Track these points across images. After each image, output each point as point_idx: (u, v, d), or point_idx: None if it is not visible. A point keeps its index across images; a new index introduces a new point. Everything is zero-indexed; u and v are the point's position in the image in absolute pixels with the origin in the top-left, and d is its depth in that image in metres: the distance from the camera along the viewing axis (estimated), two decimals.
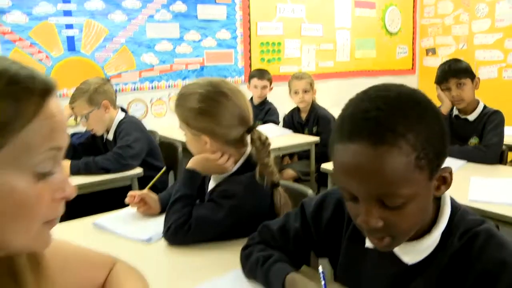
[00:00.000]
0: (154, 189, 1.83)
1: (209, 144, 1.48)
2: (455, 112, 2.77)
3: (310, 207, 1.18)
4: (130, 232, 1.59)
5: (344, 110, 0.89)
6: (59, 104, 0.68)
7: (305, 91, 3.79)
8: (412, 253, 0.96)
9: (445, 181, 0.90)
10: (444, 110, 2.75)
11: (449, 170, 0.90)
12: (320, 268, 0.90)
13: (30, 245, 0.68)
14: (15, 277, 0.73)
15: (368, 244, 1.01)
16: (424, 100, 0.87)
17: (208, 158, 1.51)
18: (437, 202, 0.96)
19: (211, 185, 1.58)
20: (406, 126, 0.81)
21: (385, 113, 0.82)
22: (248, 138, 1.53)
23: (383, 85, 0.89)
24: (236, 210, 1.45)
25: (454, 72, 2.66)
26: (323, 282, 0.92)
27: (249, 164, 1.53)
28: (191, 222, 1.46)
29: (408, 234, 0.92)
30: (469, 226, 0.93)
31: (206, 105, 1.45)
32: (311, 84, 3.81)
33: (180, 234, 1.45)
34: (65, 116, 0.69)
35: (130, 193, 1.75)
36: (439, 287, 0.93)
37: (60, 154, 0.68)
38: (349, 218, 1.08)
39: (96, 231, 1.64)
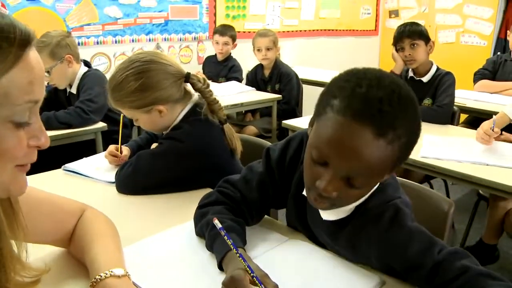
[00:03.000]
0: (116, 142, 1.85)
1: (164, 111, 1.52)
2: (410, 73, 2.90)
3: (275, 153, 1.22)
4: (98, 175, 1.70)
5: (355, 82, 0.90)
6: (38, 56, 0.69)
7: (268, 49, 3.84)
8: (330, 213, 1.09)
9: (392, 172, 1.01)
10: (397, 69, 2.92)
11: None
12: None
13: (7, 189, 0.73)
14: None
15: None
16: (419, 109, 0.95)
17: None
18: None
19: None
20: (405, 130, 0.89)
21: (395, 111, 0.87)
22: (189, 86, 1.59)
23: (396, 77, 0.94)
24: (178, 149, 1.52)
25: (409, 33, 2.79)
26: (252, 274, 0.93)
27: (195, 111, 1.59)
28: (132, 160, 1.58)
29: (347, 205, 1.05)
30: (384, 199, 1.05)
31: (143, 79, 1.47)
32: (274, 42, 3.85)
33: (124, 174, 1.56)
34: (42, 69, 0.71)
35: (113, 153, 1.78)
36: (356, 241, 1.07)
37: (37, 106, 0.71)
38: (301, 162, 1.14)
39: (65, 179, 1.71)
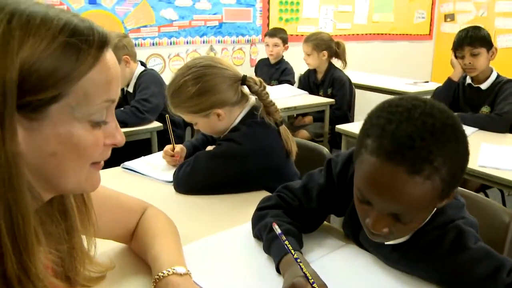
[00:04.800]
0: (169, 142, 1.88)
1: (222, 114, 1.55)
2: (468, 80, 2.79)
3: (337, 165, 1.19)
4: (156, 174, 1.74)
5: (385, 118, 0.88)
6: (114, 56, 0.72)
7: (308, 55, 3.80)
8: None
9: (450, 198, 0.96)
10: (455, 76, 2.82)
11: (455, 191, 0.96)
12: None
13: (82, 186, 0.75)
14: (65, 215, 0.82)
15: None
16: (462, 132, 0.89)
17: None
18: None
19: None
20: (444, 160, 0.84)
21: (428, 145, 0.83)
22: (246, 88, 1.61)
23: (429, 106, 0.88)
24: (236, 150, 1.54)
25: (470, 40, 2.66)
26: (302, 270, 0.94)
27: (252, 114, 1.60)
28: (190, 160, 1.60)
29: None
30: (444, 220, 1.01)
31: (200, 83, 1.50)
32: (314, 48, 3.76)
33: (182, 173, 1.58)
34: (118, 69, 0.73)
35: (169, 153, 1.82)
36: (413, 265, 1.05)
37: (113, 105, 0.73)
38: None
39: (123, 177, 1.75)
